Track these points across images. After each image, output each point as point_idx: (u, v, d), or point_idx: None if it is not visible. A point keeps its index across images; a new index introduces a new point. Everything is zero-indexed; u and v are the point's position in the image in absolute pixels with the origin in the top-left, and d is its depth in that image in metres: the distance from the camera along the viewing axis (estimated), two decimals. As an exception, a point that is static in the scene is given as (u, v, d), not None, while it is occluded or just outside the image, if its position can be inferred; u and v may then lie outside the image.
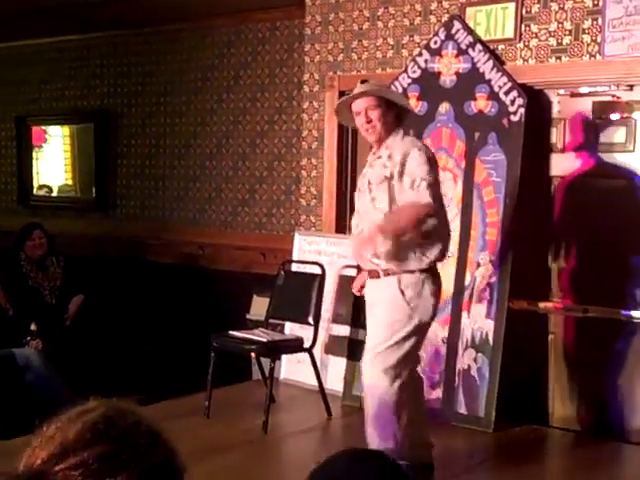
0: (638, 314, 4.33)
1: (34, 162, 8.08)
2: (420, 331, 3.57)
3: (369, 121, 3.55)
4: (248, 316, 5.74)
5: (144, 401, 4.72)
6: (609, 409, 4.43)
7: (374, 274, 3.59)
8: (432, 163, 3.50)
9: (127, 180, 7.45)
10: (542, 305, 4.62)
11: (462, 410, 4.46)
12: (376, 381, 3.55)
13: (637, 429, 4.34)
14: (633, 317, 4.35)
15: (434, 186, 3.44)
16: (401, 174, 3.46)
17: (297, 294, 4.68)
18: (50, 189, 8.09)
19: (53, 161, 8.02)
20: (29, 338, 5.28)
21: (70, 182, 8.02)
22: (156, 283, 7.01)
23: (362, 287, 3.75)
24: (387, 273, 3.53)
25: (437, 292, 3.58)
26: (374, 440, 3.57)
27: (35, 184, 8.11)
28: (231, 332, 4.60)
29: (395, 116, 3.62)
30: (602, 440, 4.38)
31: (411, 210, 3.44)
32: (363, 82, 3.67)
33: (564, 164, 4.61)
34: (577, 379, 4.55)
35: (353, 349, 4.86)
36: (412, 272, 3.50)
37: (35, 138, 8.05)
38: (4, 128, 8.30)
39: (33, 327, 5.38)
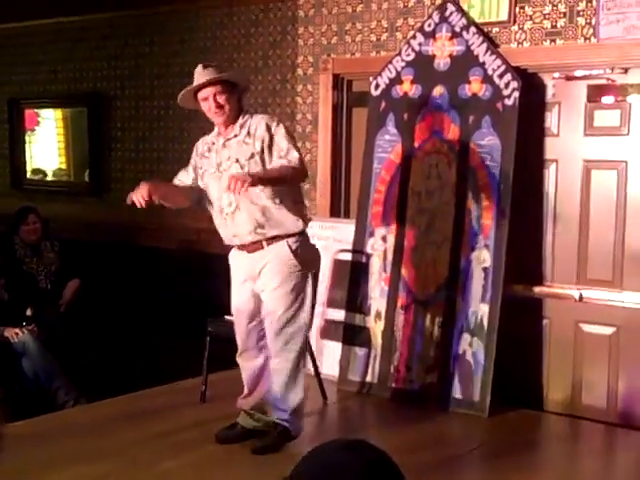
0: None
1: (27, 146, 8.04)
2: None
3: (219, 106, 3.69)
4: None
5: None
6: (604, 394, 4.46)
7: (256, 246, 3.72)
8: (290, 131, 3.83)
9: (121, 164, 7.41)
10: (537, 289, 4.62)
11: (457, 395, 4.48)
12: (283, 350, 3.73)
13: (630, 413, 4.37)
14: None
15: (301, 154, 3.74)
16: (270, 147, 3.65)
17: (292, 279, 4.66)
18: (45, 174, 8.06)
19: (46, 145, 7.98)
20: (25, 323, 5.27)
21: (64, 166, 7.98)
22: (151, 268, 6.99)
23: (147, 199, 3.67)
24: (271, 241, 3.69)
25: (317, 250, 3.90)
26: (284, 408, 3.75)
27: (28, 168, 8.08)
28: (227, 317, 4.60)
29: (239, 96, 3.80)
30: (597, 424, 4.40)
31: (289, 169, 3.63)
32: (205, 67, 3.74)
33: (558, 148, 4.60)
34: (571, 363, 4.57)
35: (349, 334, 4.87)
36: (295, 234, 3.71)
37: (28, 121, 8.01)
38: (-3, 111, 8.26)
39: (29, 312, 5.38)
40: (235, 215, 3.73)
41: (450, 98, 4.67)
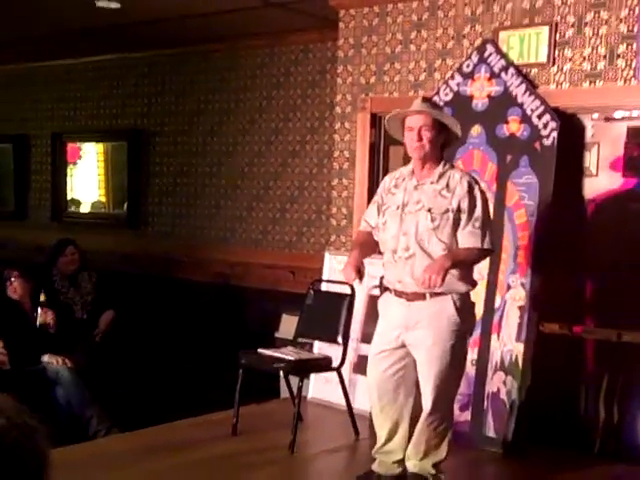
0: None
1: (68, 179, 8.19)
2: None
3: (420, 139, 3.56)
4: (277, 334, 5.76)
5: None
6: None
7: (418, 296, 3.58)
8: (487, 201, 3.70)
9: (159, 198, 7.52)
10: (574, 329, 4.58)
11: (491, 434, 4.43)
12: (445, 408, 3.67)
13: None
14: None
15: (491, 228, 3.69)
16: (466, 212, 3.53)
17: (326, 313, 4.68)
18: (79, 203, 8.18)
19: (86, 177, 8.12)
20: (39, 309, 5.32)
21: (103, 199, 8.12)
22: (186, 301, 7.05)
23: (359, 272, 3.59)
24: (435, 295, 3.54)
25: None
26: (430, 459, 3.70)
27: (68, 200, 8.23)
28: (260, 350, 4.61)
29: (444, 141, 3.66)
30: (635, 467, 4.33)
31: (477, 255, 3.62)
32: (425, 100, 3.66)
33: (597, 188, 4.60)
34: (608, 404, 4.51)
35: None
36: (462, 294, 3.59)
37: (70, 155, 8.17)
38: (40, 144, 8.44)
39: (42, 298, 5.40)
40: (408, 262, 3.57)
41: (488, 138, 4.70)
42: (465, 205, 3.53)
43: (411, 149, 3.63)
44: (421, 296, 3.56)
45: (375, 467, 3.83)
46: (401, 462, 3.79)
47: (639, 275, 4.41)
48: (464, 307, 3.60)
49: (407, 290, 3.59)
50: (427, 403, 3.62)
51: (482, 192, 3.63)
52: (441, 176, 3.60)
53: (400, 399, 3.72)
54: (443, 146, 3.68)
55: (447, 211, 3.54)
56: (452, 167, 3.69)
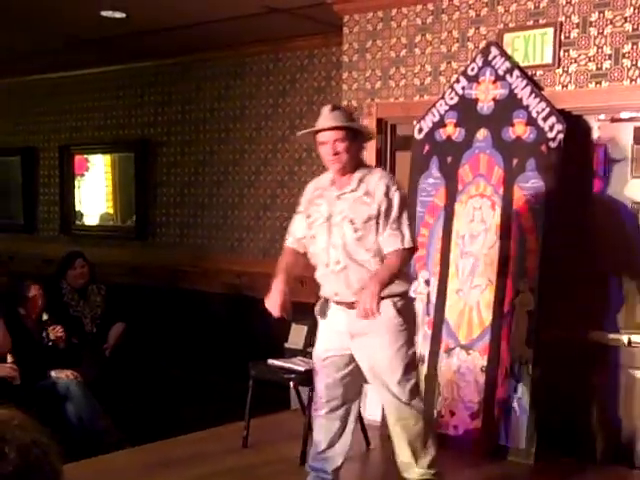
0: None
1: (76, 191, 8.19)
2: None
3: (335, 153, 3.50)
4: (286, 344, 5.72)
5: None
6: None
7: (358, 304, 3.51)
8: (405, 199, 3.64)
9: (166, 208, 7.51)
10: (584, 334, 4.53)
11: (502, 441, 4.38)
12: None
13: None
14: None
15: (411, 225, 3.59)
16: (385, 214, 3.48)
17: (335, 323, 4.64)
18: (81, 215, 8.17)
19: (94, 189, 8.12)
20: (45, 327, 5.32)
21: (111, 210, 8.11)
22: (194, 311, 7.03)
23: (285, 309, 3.50)
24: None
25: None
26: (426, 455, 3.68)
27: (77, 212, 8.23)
28: (269, 361, 4.59)
29: (360, 145, 3.63)
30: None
31: (402, 258, 3.51)
32: (332, 109, 3.57)
33: (604, 190, 4.54)
34: (617, 412, 4.45)
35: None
36: (399, 295, 3.55)
37: (77, 167, 8.17)
38: (48, 157, 8.45)
39: (45, 317, 5.40)
40: (341, 274, 3.52)
41: (494, 141, 4.65)
42: (384, 208, 3.47)
43: (328, 163, 3.57)
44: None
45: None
46: (337, 472, 3.75)
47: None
48: (404, 307, 3.57)
49: (345, 300, 3.56)
50: (388, 409, 3.64)
51: (400, 190, 3.55)
52: (361, 181, 3.54)
53: (347, 404, 3.70)
54: (360, 149, 3.64)
55: (369, 219, 3.48)
56: (370, 170, 3.61)
